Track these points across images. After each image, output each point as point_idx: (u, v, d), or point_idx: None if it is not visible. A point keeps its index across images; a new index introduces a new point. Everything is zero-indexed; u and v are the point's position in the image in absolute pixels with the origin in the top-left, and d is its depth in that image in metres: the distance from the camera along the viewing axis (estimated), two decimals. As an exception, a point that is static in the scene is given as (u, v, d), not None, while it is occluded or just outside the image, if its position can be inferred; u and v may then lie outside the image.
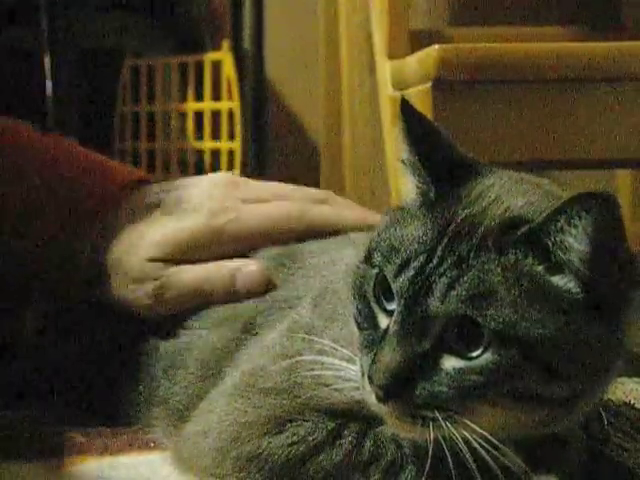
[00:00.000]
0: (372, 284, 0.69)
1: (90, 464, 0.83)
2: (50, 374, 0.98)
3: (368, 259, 0.70)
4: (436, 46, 1.12)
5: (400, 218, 0.70)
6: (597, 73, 1.14)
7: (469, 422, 0.64)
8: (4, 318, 1.03)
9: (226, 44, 2.29)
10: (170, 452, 0.82)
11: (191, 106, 2.32)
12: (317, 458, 0.71)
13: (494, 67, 1.12)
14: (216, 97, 2.30)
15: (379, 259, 0.68)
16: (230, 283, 0.89)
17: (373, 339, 0.67)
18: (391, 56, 1.42)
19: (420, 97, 1.16)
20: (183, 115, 2.34)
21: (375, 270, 0.69)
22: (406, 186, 0.73)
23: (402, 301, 0.65)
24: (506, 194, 0.68)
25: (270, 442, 0.72)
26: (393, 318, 0.66)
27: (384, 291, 0.68)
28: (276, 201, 0.95)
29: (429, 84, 1.12)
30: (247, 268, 0.89)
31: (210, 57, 2.31)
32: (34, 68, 2.18)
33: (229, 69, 2.27)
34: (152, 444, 0.86)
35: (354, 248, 0.85)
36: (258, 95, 2.49)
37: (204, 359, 0.85)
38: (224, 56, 2.28)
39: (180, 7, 2.53)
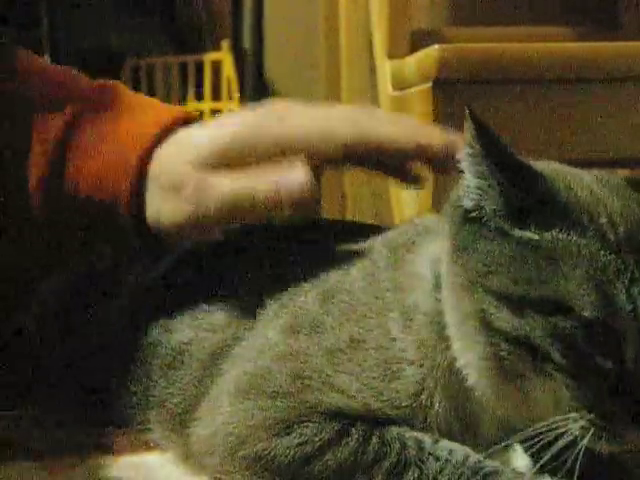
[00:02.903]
0: (583, 329, 0.65)
1: (91, 464, 0.83)
2: (47, 371, 0.98)
3: (558, 309, 0.66)
4: (436, 46, 1.12)
5: (543, 247, 0.67)
6: (597, 73, 1.14)
7: None
8: (4, 316, 1.03)
9: (226, 44, 2.29)
10: (177, 453, 0.82)
11: (191, 106, 2.32)
12: (323, 457, 0.71)
13: (494, 67, 1.12)
14: (216, 97, 2.30)
15: (589, 305, 0.65)
16: (274, 191, 0.80)
17: (597, 383, 0.66)
18: (391, 56, 1.42)
19: (420, 97, 1.16)
20: (183, 115, 2.34)
21: (586, 317, 0.65)
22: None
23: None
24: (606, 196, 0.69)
25: (277, 444, 0.72)
26: (631, 354, 0.65)
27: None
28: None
29: (429, 84, 1.12)
30: (292, 175, 0.80)
31: (210, 57, 2.31)
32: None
33: (229, 69, 2.27)
34: (152, 444, 0.86)
35: (358, 253, 0.84)
36: (258, 95, 2.49)
37: (203, 361, 0.84)
38: (224, 56, 2.28)
39: (180, 7, 2.53)
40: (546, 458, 0.66)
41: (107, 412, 0.92)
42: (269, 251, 0.91)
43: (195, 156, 0.84)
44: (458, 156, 0.71)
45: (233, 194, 0.82)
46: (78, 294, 1.01)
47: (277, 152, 0.83)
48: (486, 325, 0.68)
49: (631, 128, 1.15)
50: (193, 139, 0.86)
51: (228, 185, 0.82)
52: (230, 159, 0.84)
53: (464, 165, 0.70)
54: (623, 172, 1.96)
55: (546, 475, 0.68)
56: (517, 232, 0.68)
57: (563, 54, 1.15)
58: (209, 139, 0.85)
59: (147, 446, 0.86)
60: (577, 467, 0.66)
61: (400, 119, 0.91)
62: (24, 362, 1.02)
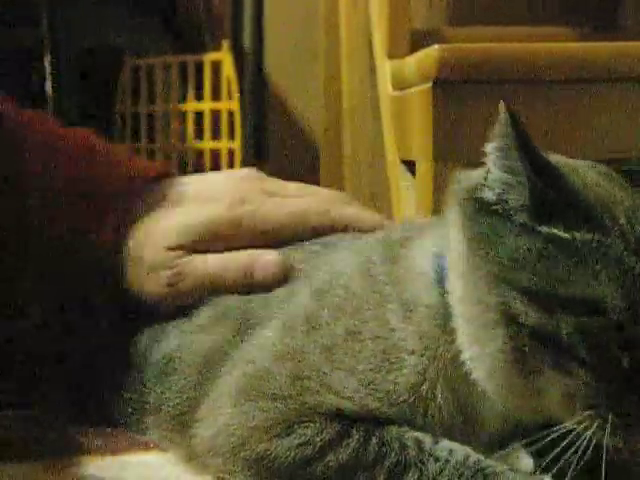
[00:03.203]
0: (612, 333, 0.66)
1: (90, 464, 0.83)
2: (46, 374, 0.98)
3: (589, 308, 0.66)
4: (436, 46, 1.12)
5: (572, 246, 0.67)
6: (597, 73, 1.14)
7: None
8: (3, 319, 1.03)
9: (226, 44, 2.29)
10: (179, 454, 0.82)
11: (191, 106, 2.32)
12: (324, 458, 0.71)
13: (494, 67, 1.12)
14: (216, 97, 2.29)
15: (618, 309, 0.65)
16: (247, 273, 0.88)
17: (617, 381, 0.66)
18: (391, 56, 1.42)
19: (420, 97, 1.16)
20: (183, 115, 2.34)
21: (614, 320, 0.65)
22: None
23: None
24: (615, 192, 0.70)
25: (278, 445, 0.72)
26: None
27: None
28: (300, 198, 0.95)
29: (429, 84, 1.12)
30: (264, 257, 0.87)
31: (210, 57, 2.31)
32: (34, 68, 2.18)
33: (229, 69, 2.27)
34: (152, 444, 0.86)
35: (351, 253, 0.84)
36: (258, 95, 2.49)
37: (198, 364, 0.84)
38: (224, 56, 2.28)
39: (180, 7, 2.53)
40: (571, 460, 0.67)
41: (106, 413, 0.92)
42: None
43: (169, 241, 0.90)
44: (485, 148, 0.71)
45: (208, 276, 0.89)
46: (76, 297, 1.01)
47: (250, 240, 0.91)
48: (508, 319, 0.67)
49: (631, 128, 1.15)
50: (165, 224, 0.91)
51: (203, 267, 0.89)
52: (205, 245, 0.90)
53: (491, 158, 0.70)
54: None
55: (548, 475, 0.68)
56: (545, 229, 0.68)
57: (563, 54, 1.14)
58: (183, 226, 0.91)
59: (146, 446, 0.86)
60: (603, 466, 0.66)
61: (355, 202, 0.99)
62: (23, 363, 1.02)
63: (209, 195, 0.93)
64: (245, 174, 0.97)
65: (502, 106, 0.68)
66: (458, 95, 1.11)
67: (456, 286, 0.72)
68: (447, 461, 0.69)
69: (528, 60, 1.13)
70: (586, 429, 0.66)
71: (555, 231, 0.68)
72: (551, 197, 0.68)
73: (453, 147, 1.13)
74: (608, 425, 0.66)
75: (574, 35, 1.88)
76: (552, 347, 0.66)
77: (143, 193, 0.95)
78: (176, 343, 0.87)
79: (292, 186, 0.98)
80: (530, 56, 1.14)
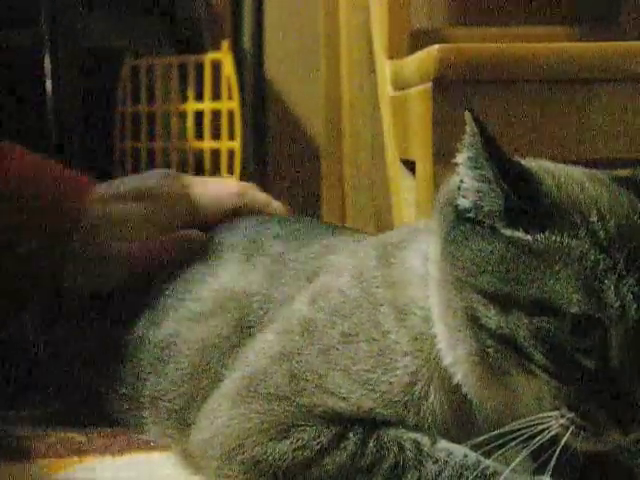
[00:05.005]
0: (568, 329, 0.66)
1: (90, 464, 0.83)
2: (45, 373, 0.98)
3: (543, 309, 0.66)
4: (436, 46, 1.12)
5: (534, 248, 0.67)
6: (597, 73, 1.14)
7: None
8: (4, 319, 1.03)
9: (226, 44, 2.28)
10: (177, 450, 0.82)
11: (191, 106, 2.31)
12: (321, 462, 0.71)
13: (494, 67, 1.12)
14: (216, 97, 2.29)
15: (577, 301, 0.65)
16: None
17: (579, 383, 0.66)
18: (391, 56, 1.42)
19: (420, 97, 1.16)
20: (183, 115, 2.34)
21: (573, 313, 0.65)
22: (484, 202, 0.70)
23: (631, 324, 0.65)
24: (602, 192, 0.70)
25: (275, 448, 0.72)
26: (617, 351, 0.65)
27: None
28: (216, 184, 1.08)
29: (429, 84, 1.12)
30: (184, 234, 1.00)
31: (210, 57, 2.30)
32: (34, 68, 2.18)
33: (229, 69, 2.26)
34: (152, 444, 0.86)
35: (342, 254, 0.84)
36: (258, 95, 2.48)
37: (194, 357, 0.85)
38: (224, 56, 2.27)
39: (180, 7, 2.53)
40: (523, 455, 0.67)
41: (105, 413, 0.92)
42: (253, 246, 0.91)
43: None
44: (457, 159, 0.71)
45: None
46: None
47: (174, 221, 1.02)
48: (473, 322, 0.68)
49: (631, 128, 1.15)
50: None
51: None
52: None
53: (463, 168, 0.71)
54: (623, 173, 1.95)
55: (546, 475, 0.68)
56: (509, 232, 0.68)
57: (563, 54, 1.14)
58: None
59: (147, 446, 0.86)
60: (552, 464, 0.66)
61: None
62: (23, 364, 1.02)
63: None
64: (161, 173, 1.08)
65: (468, 116, 0.69)
66: (458, 95, 1.11)
67: (433, 291, 0.72)
68: (446, 462, 0.69)
69: (528, 60, 1.13)
70: (548, 428, 0.66)
71: (516, 234, 0.68)
72: (518, 201, 0.68)
73: (453, 147, 1.12)
74: (572, 426, 0.66)
75: (574, 35, 1.88)
76: (513, 348, 0.66)
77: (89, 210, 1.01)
78: (173, 328, 0.87)
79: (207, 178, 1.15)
80: (530, 56, 1.14)
